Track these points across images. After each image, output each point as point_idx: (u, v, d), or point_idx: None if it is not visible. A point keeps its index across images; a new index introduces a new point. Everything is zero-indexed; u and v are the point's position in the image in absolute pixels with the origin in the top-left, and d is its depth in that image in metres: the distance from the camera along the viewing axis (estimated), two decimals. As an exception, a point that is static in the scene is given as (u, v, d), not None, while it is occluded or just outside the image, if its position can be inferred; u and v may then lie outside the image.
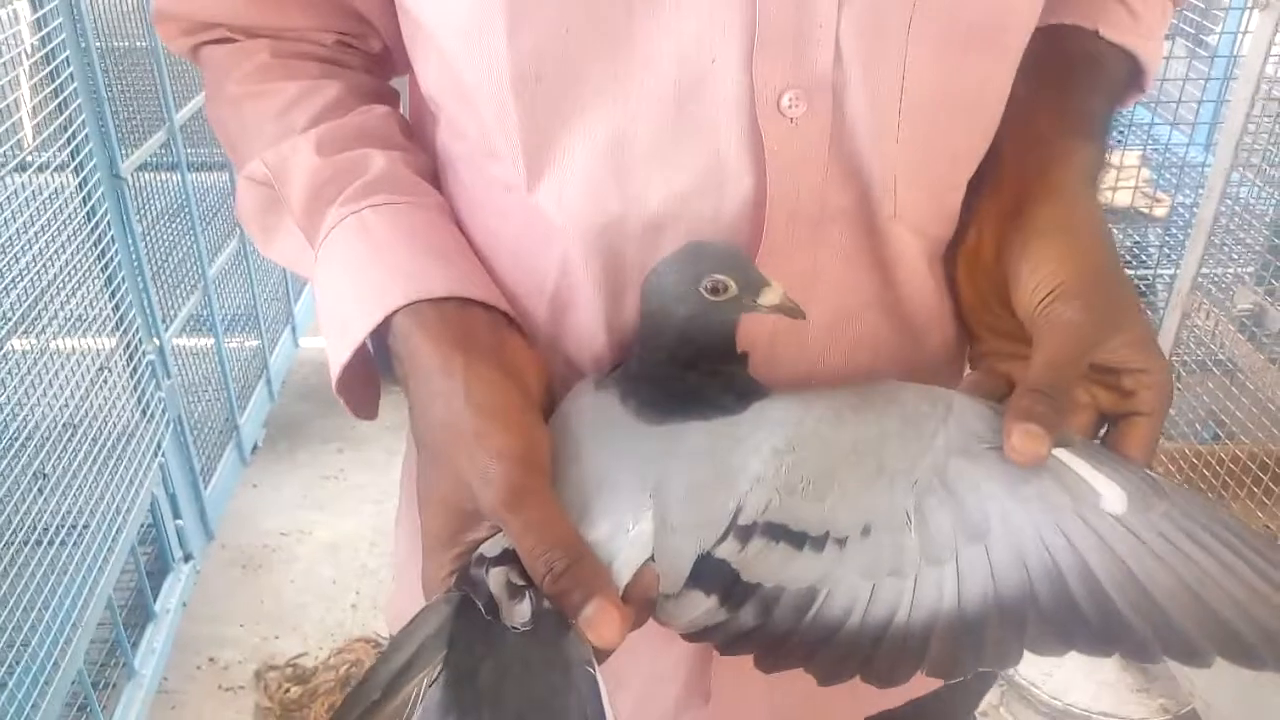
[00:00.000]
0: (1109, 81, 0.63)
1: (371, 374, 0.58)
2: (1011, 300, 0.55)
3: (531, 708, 0.43)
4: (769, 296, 0.51)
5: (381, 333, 0.53)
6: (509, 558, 0.47)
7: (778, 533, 0.47)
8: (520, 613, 0.45)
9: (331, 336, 0.55)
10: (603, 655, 0.46)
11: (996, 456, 0.48)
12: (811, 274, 0.56)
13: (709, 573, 0.47)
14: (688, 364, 0.52)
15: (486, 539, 0.49)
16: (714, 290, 0.50)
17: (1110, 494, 0.46)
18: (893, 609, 0.46)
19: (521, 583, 0.46)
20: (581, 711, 0.43)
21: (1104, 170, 0.61)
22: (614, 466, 0.50)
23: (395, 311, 0.52)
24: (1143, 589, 0.44)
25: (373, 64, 0.66)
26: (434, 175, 0.62)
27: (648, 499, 0.49)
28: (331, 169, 0.57)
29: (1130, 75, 0.64)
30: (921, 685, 0.72)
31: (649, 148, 0.52)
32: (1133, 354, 0.53)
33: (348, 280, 0.55)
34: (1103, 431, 0.54)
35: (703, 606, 0.47)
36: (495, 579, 0.46)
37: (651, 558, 0.48)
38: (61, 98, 1.54)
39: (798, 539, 0.47)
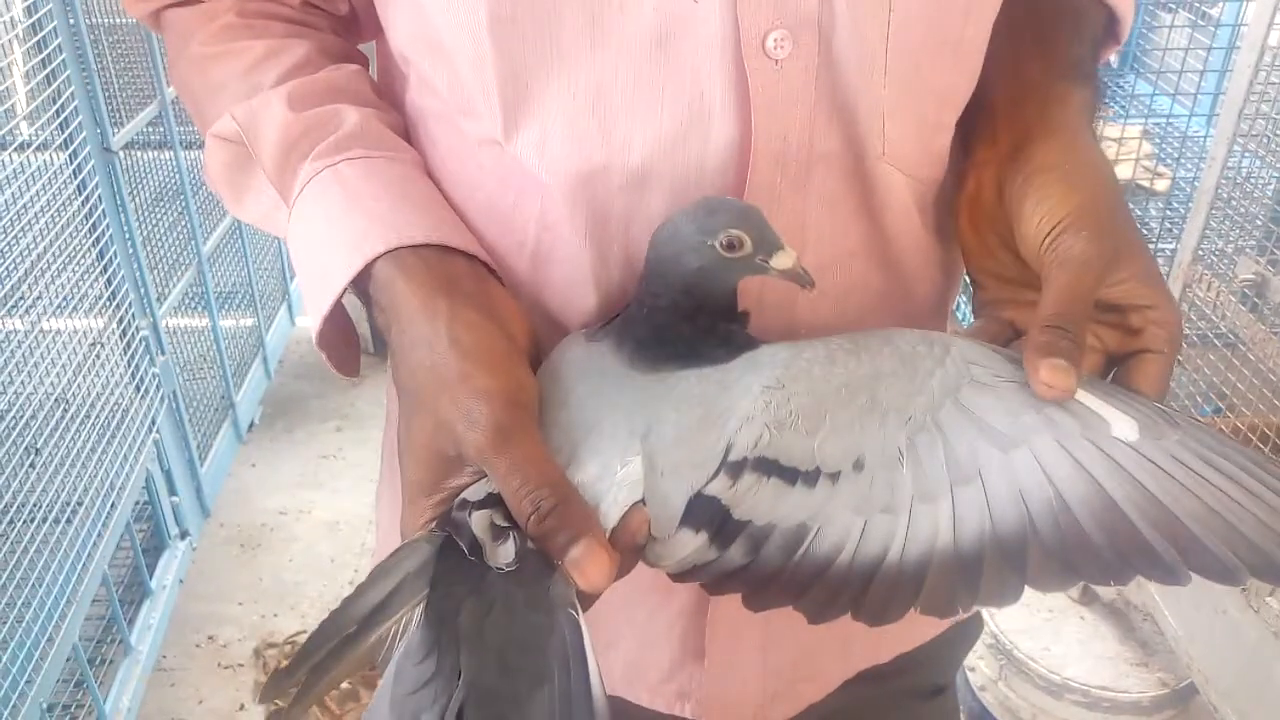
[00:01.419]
0: (1091, 30, 0.62)
1: (349, 331, 0.57)
2: (1016, 239, 0.54)
3: (513, 648, 0.42)
4: (781, 260, 0.50)
5: (362, 283, 0.52)
6: (493, 502, 0.46)
7: (769, 468, 0.46)
8: (504, 553, 0.45)
9: (311, 289, 0.54)
10: (587, 600, 0.45)
11: (1002, 390, 0.47)
12: (799, 221, 0.55)
13: (699, 510, 0.47)
14: (689, 316, 0.51)
15: (469, 485, 0.48)
16: (729, 246, 0.49)
17: (1121, 423, 0.46)
18: (885, 546, 0.45)
19: (506, 524, 0.46)
20: (563, 654, 0.42)
21: (1098, 112, 0.60)
22: (603, 411, 0.50)
23: (376, 259, 0.51)
24: (1165, 509, 0.44)
25: (339, 27, 0.65)
26: (406, 134, 0.61)
27: (637, 443, 0.48)
28: (303, 124, 0.56)
29: (1106, 26, 0.64)
30: (909, 639, 0.73)
31: (631, 93, 0.51)
32: (1139, 288, 0.51)
33: (325, 231, 0.54)
34: (1110, 376, 0.53)
35: (692, 545, 0.47)
36: (479, 521, 0.46)
37: (641, 501, 0.47)
38: (49, 69, 1.53)
39: (789, 475, 0.46)
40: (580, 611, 0.44)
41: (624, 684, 0.68)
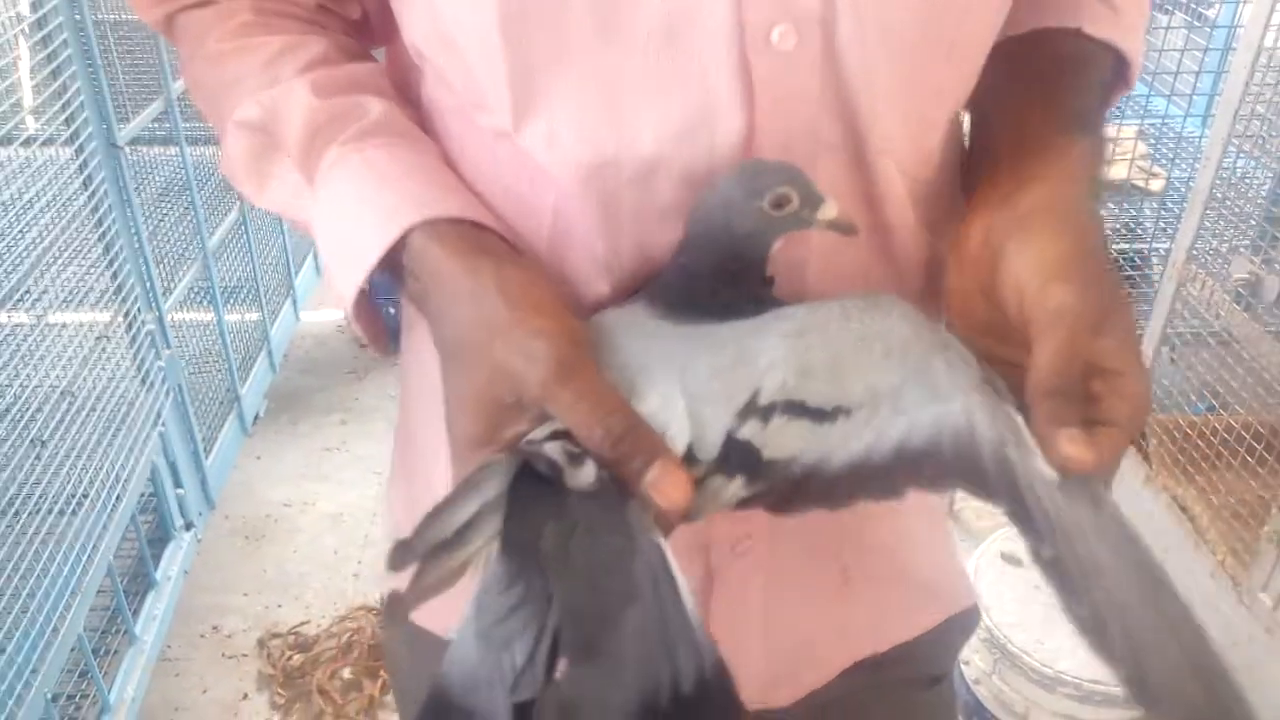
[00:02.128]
0: (1098, 78, 0.62)
1: (375, 312, 0.58)
2: (996, 284, 0.53)
3: (600, 569, 0.42)
4: (827, 211, 0.51)
5: (394, 258, 0.53)
6: (558, 438, 0.46)
7: (796, 410, 0.47)
8: (584, 474, 0.44)
9: (341, 265, 0.54)
10: (666, 526, 0.45)
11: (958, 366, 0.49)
12: None
13: (735, 457, 0.47)
14: (729, 280, 0.52)
15: (526, 433, 0.47)
16: (777, 204, 0.50)
17: (1045, 466, 0.46)
18: (870, 448, 0.48)
19: (580, 451, 0.45)
20: (652, 575, 0.42)
21: (1103, 162, 0.59)
22: (651, 354, 0.51)
23: (412, 228, 0.52)
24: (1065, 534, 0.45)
25: (350, 30, 0.66)
26: (422, 130, 0.62)
27: (676, 379, 0.49)
28: (328, 111, 0.57)
29: (1115, 70, 0.63)
30: (908, 629, 0.74)
31: (639, 85, 0.52)
32: (1116, 352, 0.49)
33: (356, 208, 0.54)
34: None
35: (730, 490, 0.47)
36: (553, 448, 0.45)
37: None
38: (55, 64, 1.55)
39: (814, 414, 0.47)
40: (663, 537, 0.44)
41: None
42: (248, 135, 0.58)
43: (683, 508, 0.44)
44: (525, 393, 0.47)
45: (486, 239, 0.54)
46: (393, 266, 0.53)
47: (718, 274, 0.52)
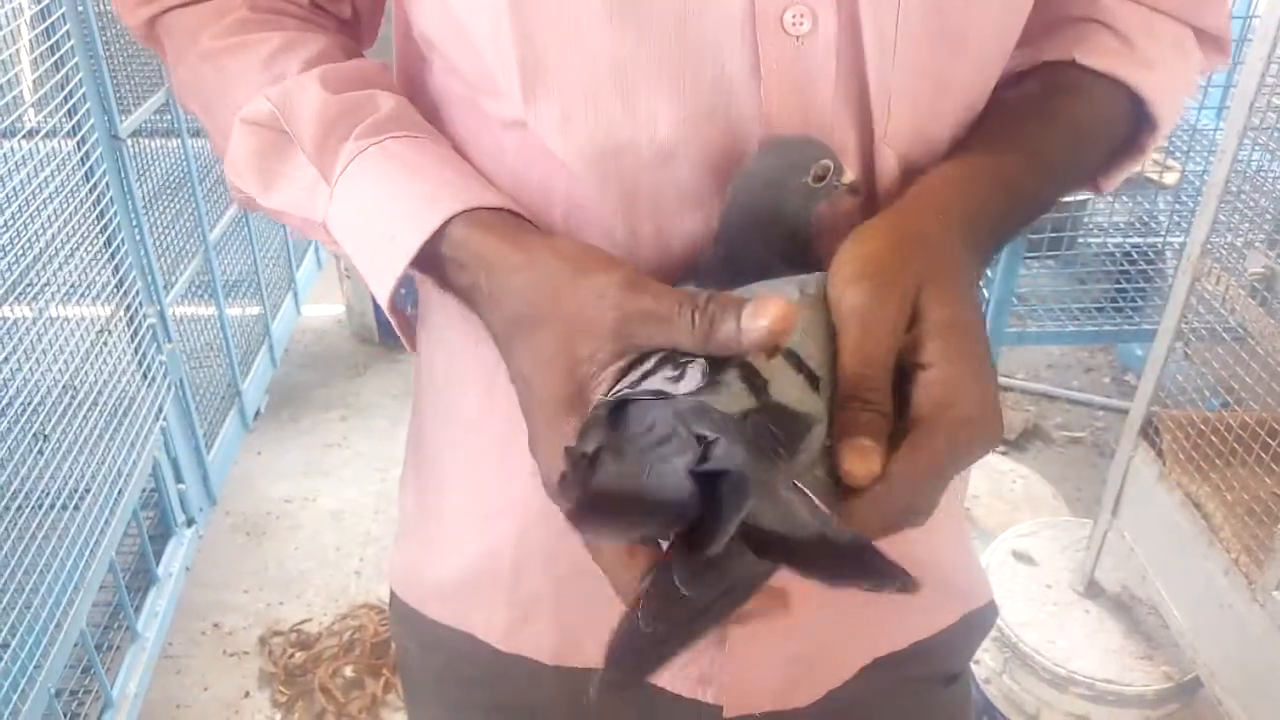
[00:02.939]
0: (1081, 109, 0.59)
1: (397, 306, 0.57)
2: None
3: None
4: (848, 175, 0.51)
5: (431, 248, 0.52)
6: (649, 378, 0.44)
7: (798, 363, 0.46)
8: (690, 381, 0.42)
9: (374, 255, 0.53)
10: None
11: None
12: None
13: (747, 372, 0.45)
14: (782, 258, 0.51)
15: (613, 386, 0.46)
16: (820, 177, 0.50)
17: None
18: None
19: (677, 370, 0.43)
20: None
21: (1014, 190, 0.55)
22: None
23: (452, 218, 0.51)
24: None
25: (342, 29, 0.65)
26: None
27: None
28: (340, 105, 0.56)
29: (1134, 111, 0.59)
30: (926, 626, 0.74)
31: (652, 68, 0.51)
32: (921, 344, 0.46)
33: (387, 197, 0.53)
34: None
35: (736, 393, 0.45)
36: (652, 381, 0.44)
37: None
38: (58, 56, 1.53)
39: (808, 375, 0.45)
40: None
41: None
42: (255, 133, 0.57)
43: (788, 324, 0.42)
44: (603, 329, 0.46)
45: (525, 224, 0.53)
46: (426, 257, 0.52)
47: (767, 253, 0.51)
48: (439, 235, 0.51)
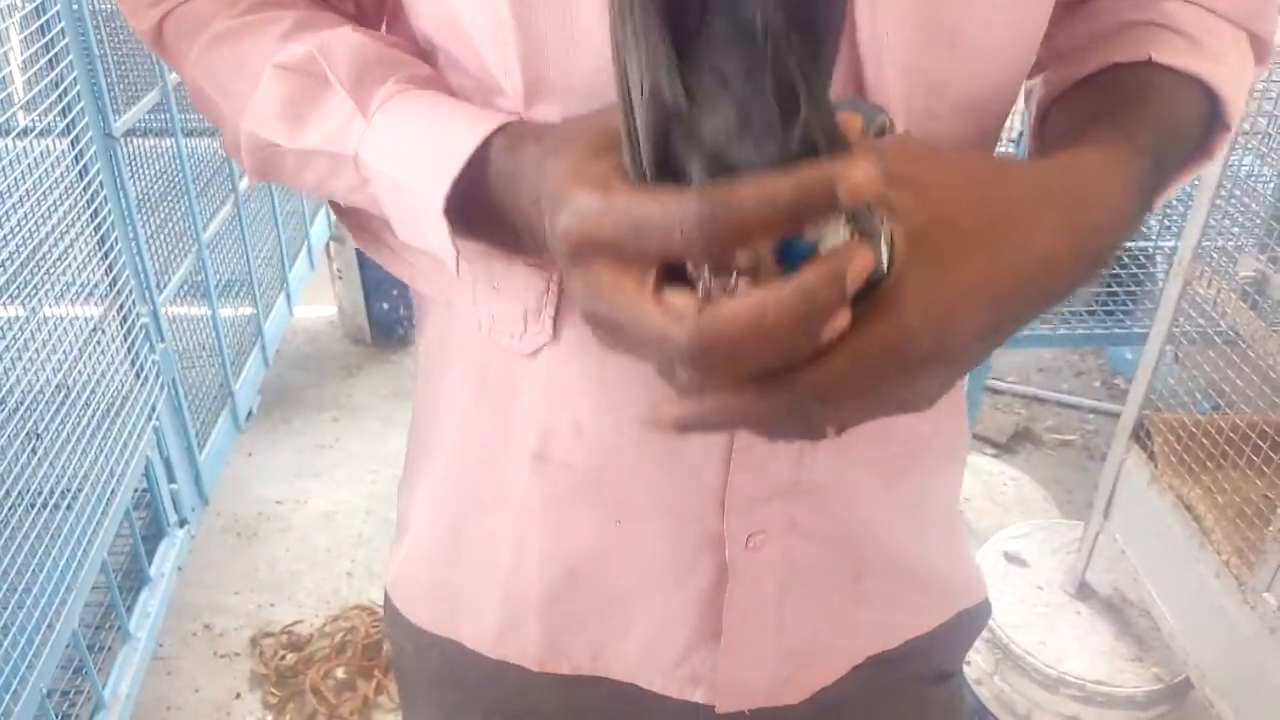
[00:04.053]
0: (1168, 104, 0.57)
1: (482, 202, 0.52)
2: None
3: None
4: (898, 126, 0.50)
5: (474, 174, 0.49)
6: None
7: None
8: None
9: (424, 164, 0.51)
10: None
11: None
12: None
13: None
14: None
15: None
16: (881, 131, 0.47)
17: None
18: None
19: None
20: None
21: (1150, 192, 0.52)
22: None
23: (497, 131, 0.50)
24: None
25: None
26: None
27: None
28: (379, 53, 0.55)
29: (1210, 107, 0.58)
30: (917, 625, 0.74)
31: None
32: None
33: (431, 120, 0.52)
34: None
35: None
36: None
37: None
38: (52, 54, 1.53)
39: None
40: None
41: (637, 668, 0.68)
42: (288, 78, 0.55)
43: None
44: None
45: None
46: (467, 188, 0.50)
47: None
48: (484, 150, 0.49)
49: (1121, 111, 0.54)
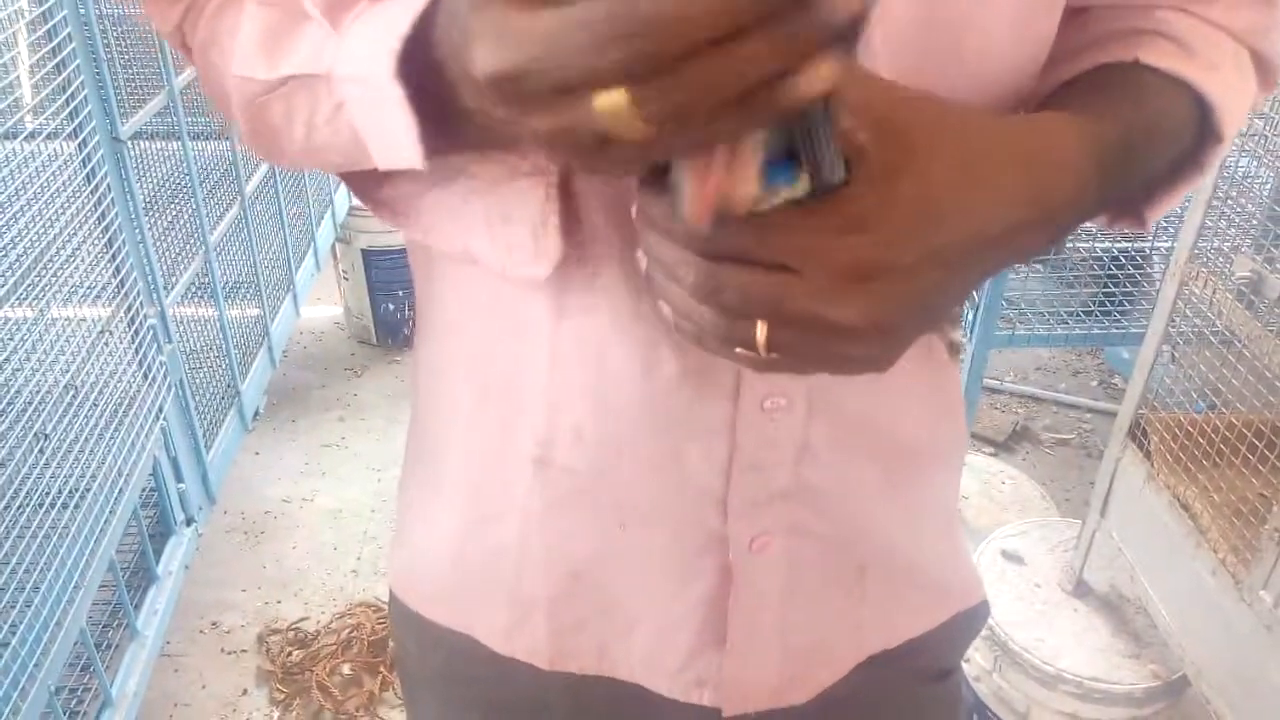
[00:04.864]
0: (1144, 97, 0.54)
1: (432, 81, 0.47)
2: None
3: None
4: None
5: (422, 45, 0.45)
6: None
7: None
8: None
9: (375, 54, 0.47)
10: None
11: None
12: None
13: None
14: None
15: None
16: None
17: None
18: None
19: None
20: None
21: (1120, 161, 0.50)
22: None
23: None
24: None
25: None
26: None
27: None
28: None
29: (1199, 115, 0.55)
30: (918, 624, 0.74)
31: None
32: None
33: (397, 8, 0.47)
34: None
35: None
36: None
37: None
38: (59, 58, 1.55)
39: None
40: None
41: (643, 671, 0.69)
42: (268, 11, 0.54)
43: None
44: None
45: None
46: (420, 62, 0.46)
47: None
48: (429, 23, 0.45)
49: (1094, 96, 0.54)
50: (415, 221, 0.62)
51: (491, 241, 0.59)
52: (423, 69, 0.45)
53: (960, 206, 0.43)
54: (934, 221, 0.42)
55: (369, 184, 0.61)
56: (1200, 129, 0.56)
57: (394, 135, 0.48)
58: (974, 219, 0.44)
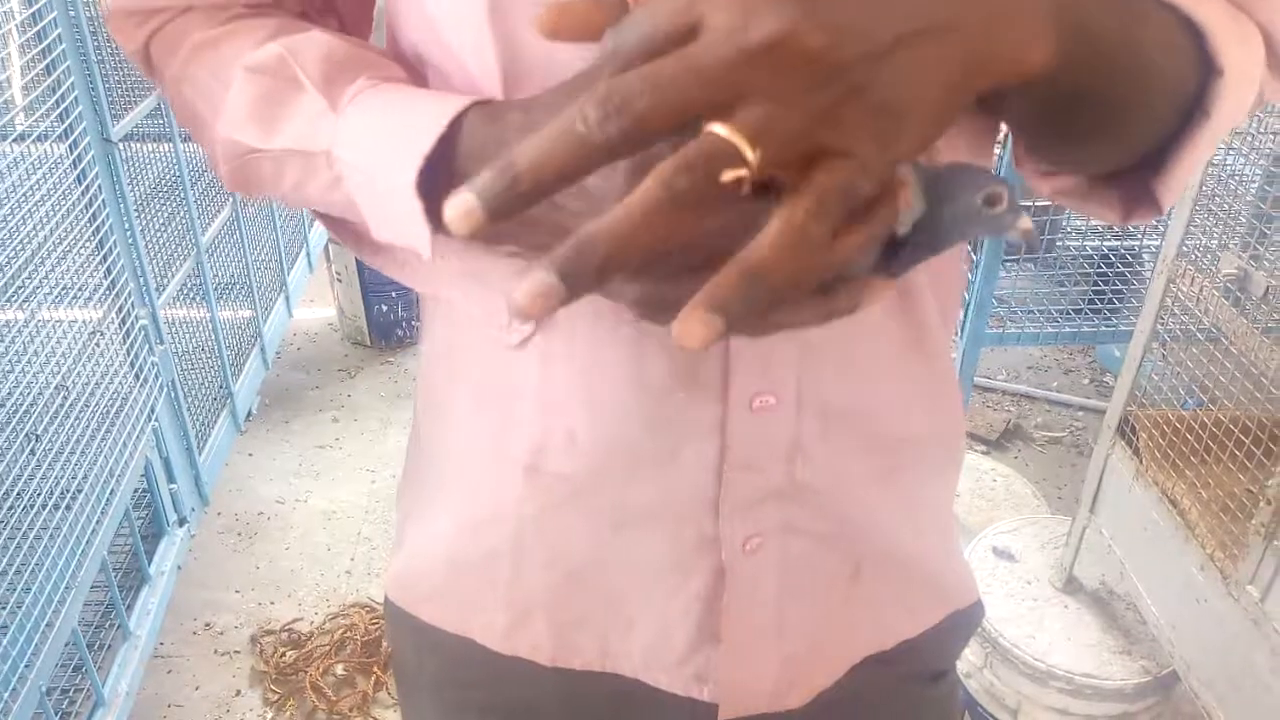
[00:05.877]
0: (1153, 28, 0.48)
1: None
2: None
3: None
4: (1024, 222, 0.47)
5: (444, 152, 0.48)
6: None
7: None
8: None
9: (391, 154, 0.50)
10: None
11: None
12: None
13: None
14: None
15: None
16: (990, 202, 0.44)
17: None
18: None
19: None
20: None
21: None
22: None
23: (471, 107, 0.49)
24: None
25: None
26: None
27: None
28: (349, 53, 0.54)
29: (1197, 55, 0.49)
30: (912, 626, 0.74)
31: None
32: None
33: (402, 106, 0.51)
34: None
35: None
36: None
37: None
38: (49, 59, 1.55)
39: None
40: None
41: (642, 666, 0.69)
42: (259, 80, 0.55)
43: None
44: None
45: None
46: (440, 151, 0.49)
47: None
48: (459, 123, 0.49)
49: None
50: (390, 260, 0.63)
51: (466, 297, 0.61)
52: (433, 168, 0.48)
53: None
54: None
55: (344, 228, 0.61)
56: (1200, 68, 0.49)
57: (403, 225, 0.50)
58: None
